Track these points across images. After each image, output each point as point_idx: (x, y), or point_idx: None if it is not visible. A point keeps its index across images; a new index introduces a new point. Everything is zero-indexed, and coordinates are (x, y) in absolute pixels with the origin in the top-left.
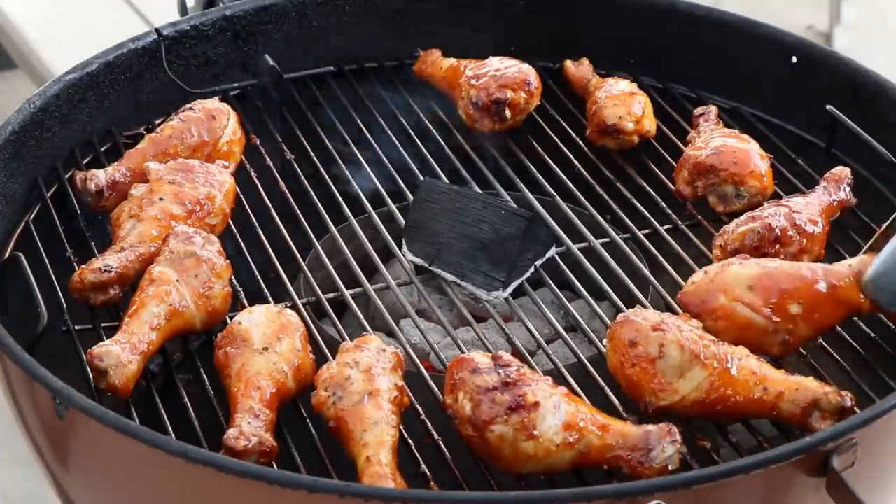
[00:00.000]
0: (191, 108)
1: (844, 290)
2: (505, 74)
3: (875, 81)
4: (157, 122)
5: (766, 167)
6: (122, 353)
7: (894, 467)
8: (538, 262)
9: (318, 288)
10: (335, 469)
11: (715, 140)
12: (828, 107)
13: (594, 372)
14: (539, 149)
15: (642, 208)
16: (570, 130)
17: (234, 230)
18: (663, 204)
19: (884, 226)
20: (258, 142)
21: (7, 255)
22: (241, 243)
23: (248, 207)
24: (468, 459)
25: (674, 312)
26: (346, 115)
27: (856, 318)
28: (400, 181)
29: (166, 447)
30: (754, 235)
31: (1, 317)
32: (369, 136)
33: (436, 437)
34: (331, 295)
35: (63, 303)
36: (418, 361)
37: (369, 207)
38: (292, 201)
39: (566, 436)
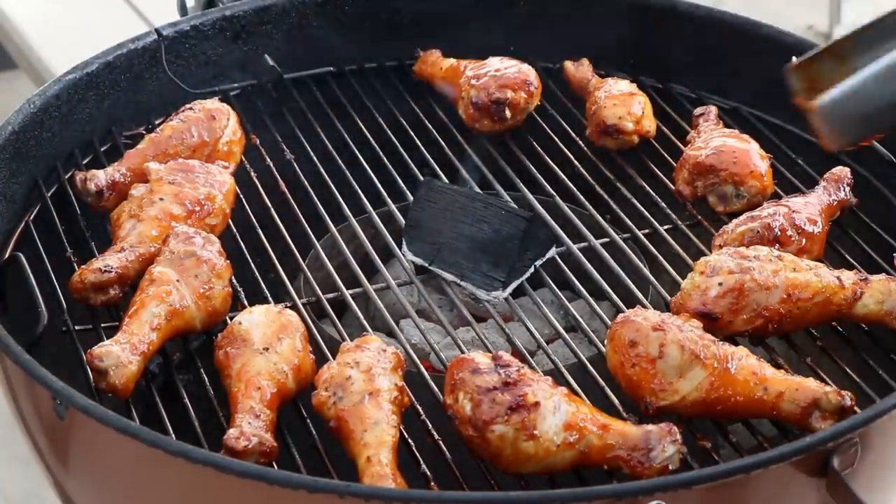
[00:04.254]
0: (191, 108)
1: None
2: (505, 74)
3: None
4: (157, 122)
5: (766, 167)
6: (123, 353)
7: (894, 467)
8: (538, 262)
9: (318, 288)
10: (335, 469)
11: (715, 140)
12: None
13: (594, 372)
14: (539, 149)
15: (642, 208)
16: (570, 130)
17: (234, 230)
18: (663, 204)
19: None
20: (258, 142)
21: (7, 255)
22: (241, 243)
23: (248, 207)
24: (468, 459)
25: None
26: (346, 115)
27: None
28: (400, 181)
29: (166, 447)
30: (753, 235)
31: (1, 317)
32: (369, 136)
33: (436, 437)
34: (331, 295)
35: (63, 303)
36: (418, 361)
37: (369, 207)
38: (292, 201)
39: (566, 436)
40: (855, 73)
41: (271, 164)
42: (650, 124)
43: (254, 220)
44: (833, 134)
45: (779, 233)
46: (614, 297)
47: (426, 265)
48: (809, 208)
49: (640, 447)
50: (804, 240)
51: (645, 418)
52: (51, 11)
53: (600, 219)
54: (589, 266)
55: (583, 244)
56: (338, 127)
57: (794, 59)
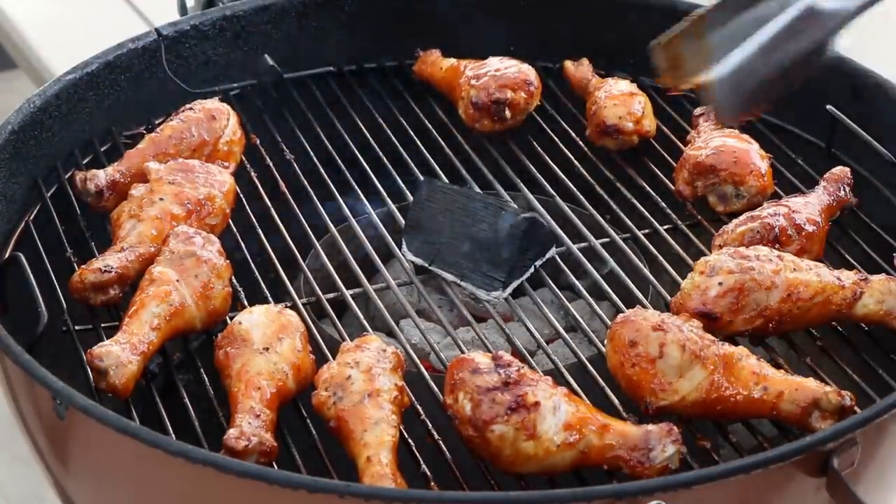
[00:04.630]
0: (191, 108)
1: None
2: (505, 74)
3: (875, 81)
4: (157, 122)
5: (766, 167)
6: (122, 353)
7: (894, 467)
8: (538, 262)
9: (318, 288)
10: (335, 469)
11: (715, 140)
12: (828, 107)
13: (594, 372)
14: (539, 149)
15: (642, 208)
16: (570, 130)
17: (234, 230)
18: (663, 204)
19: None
20: (258, 142)
21: (7, 255)
22: (241, 243)
23: (248, 207)
24: (468, 459)
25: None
26: (346, 115)
27: None
28: (400, 181)
29: (166, 447)
30: (753, 235)
31: (1, 317)
32: (369, 136)
33: (436, 437)
34: (331, 295)
35: (63, 303)
36: (418, 361)
37: (369, 207)
38: (292, 201)
39: (566, 436)
40: (711, 49)
41: (271, 164)
42: (650, 124)
43: (254, 220)
44: (728, 107)
45: (779, 233)
46: (614, 297)
47: (426, 265)
48: (809, 208)
49: (640, 447)
50: (804, 240)
51: (645, 418)
52: (51, 11)
53: (600, 219)
54: (589, 266)
55: (583, 244)
56: (338, 127)
57: (658, 39)
